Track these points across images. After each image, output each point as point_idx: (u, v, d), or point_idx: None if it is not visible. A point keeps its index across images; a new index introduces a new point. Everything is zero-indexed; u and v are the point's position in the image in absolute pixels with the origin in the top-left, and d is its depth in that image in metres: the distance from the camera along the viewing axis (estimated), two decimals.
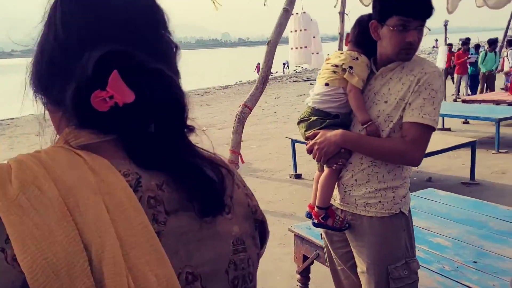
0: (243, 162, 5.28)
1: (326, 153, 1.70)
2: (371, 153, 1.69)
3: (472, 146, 5.43)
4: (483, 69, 11.45)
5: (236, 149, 5.11)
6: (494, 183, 5.37)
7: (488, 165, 5.97)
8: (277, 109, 13.88)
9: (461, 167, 5.92)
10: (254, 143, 8.91)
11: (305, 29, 7.38)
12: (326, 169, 1.80)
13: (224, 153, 5.56)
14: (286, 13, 4.97)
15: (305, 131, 1.82)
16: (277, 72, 30.52)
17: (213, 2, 4.96)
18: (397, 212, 1.72)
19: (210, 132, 10.71)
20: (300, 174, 6.15)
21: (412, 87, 1.63)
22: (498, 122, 6.62)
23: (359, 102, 1.71)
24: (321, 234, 2.00)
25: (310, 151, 1.77)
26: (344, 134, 1.70)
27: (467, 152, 5.72)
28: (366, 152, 1.70)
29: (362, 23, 1.78)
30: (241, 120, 5.03)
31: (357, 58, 1.74)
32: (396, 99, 1.65)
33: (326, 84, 1.77)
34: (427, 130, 1.63)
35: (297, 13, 6.70)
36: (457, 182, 5.44)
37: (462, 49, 12.19)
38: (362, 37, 1.77)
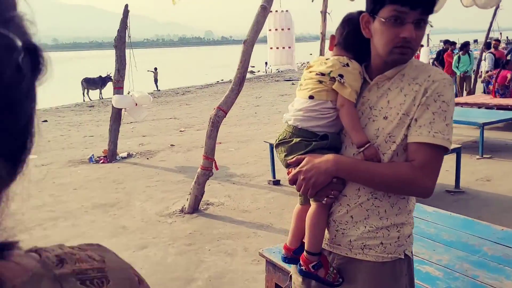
0: (217, 169, 4.97)
1: (314, 185, 1.36)
2: (371, 182, 1.37)
3: (457, 152, 5.21)
4: (457, 72, 11.46)
5: (209, 155, 4.79)
6: (479, 191, 5.17)
7: (472, 171, 5.78)
8: (258, 110, 13.58)
9: (445, 173, 5.70)
10: (233, 145, 8.59)
11: (288, 29, 7.09)
12: (313, 205, 1.46)
13: (200, 156, 5.23)
14: (264, 10, 4.66)
15: (286, 156, 1.46)
16: (259, 71, 30.25)
17: None
18: (402, 257, 1.41)
19: (188, 133, 10.36)
20: (279, 180, 5.85)
21: (418, 99, 1.32)
22: (482, 126, 6.45)
23: (353, 119, 1.38)
24: (290, 276, 1.66)
25: (293, 181, 1.42)
26: (337, 159, 1.37)
27: (450, 157, 5.50)
28: (365, 182, 1.37)
29: (352, 21, 1.46)
30: (215, 124, 4.71)
31: (347, 65, 1.41)
32: (398, 114, 1.34)
33: (311, 97, 1.43)
34: (440, 152, 1.33)
35: (276, 11, 6.41)
36: (441, 190, 5.22)
37: (450, 49, 12.14)
38: (352, 38, 1.45)
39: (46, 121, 13.85)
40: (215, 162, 4.82)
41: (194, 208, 4.88)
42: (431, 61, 14.29)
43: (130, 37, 7.81)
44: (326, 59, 1.46)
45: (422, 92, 1.32)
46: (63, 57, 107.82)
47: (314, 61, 1.51)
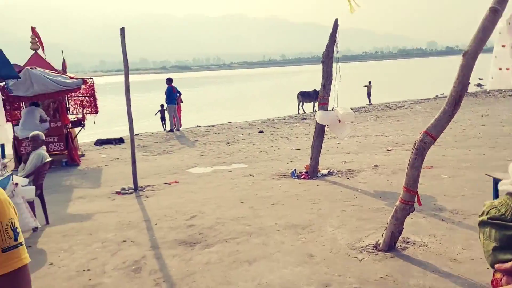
0: (420, 204, 4.21)
1: None
2: None
3: None
4: None
5: (411, 187, 4.09)
6: None
7: None
8: (483, 130, 11.66)
9: None
10: (447, 171, 7.44)
11: None
12: None
13: (402, 179, 4.48)
14: (494, 14, 3.73)
15: (496, 249, 0.89)
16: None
17: (349, 3, 4.09)
18: None
19: (395, 153, 9.54)
20: None
21: None
22: None
23: None
24: None
25: None
26: None
27: None
28: None
29: None
30: (419, 151, 4.00)
31: None
32: None
33: None
34: None
35: None
36: None
37: None
38: None
39: (262, 131, 14.95)
40: (418, 197, 4.09)
41: (390, 245, 4.25)
42: None
43: (338, 52, 7.60)
44: None
45: None
46: (289, 71, 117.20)
47: None
